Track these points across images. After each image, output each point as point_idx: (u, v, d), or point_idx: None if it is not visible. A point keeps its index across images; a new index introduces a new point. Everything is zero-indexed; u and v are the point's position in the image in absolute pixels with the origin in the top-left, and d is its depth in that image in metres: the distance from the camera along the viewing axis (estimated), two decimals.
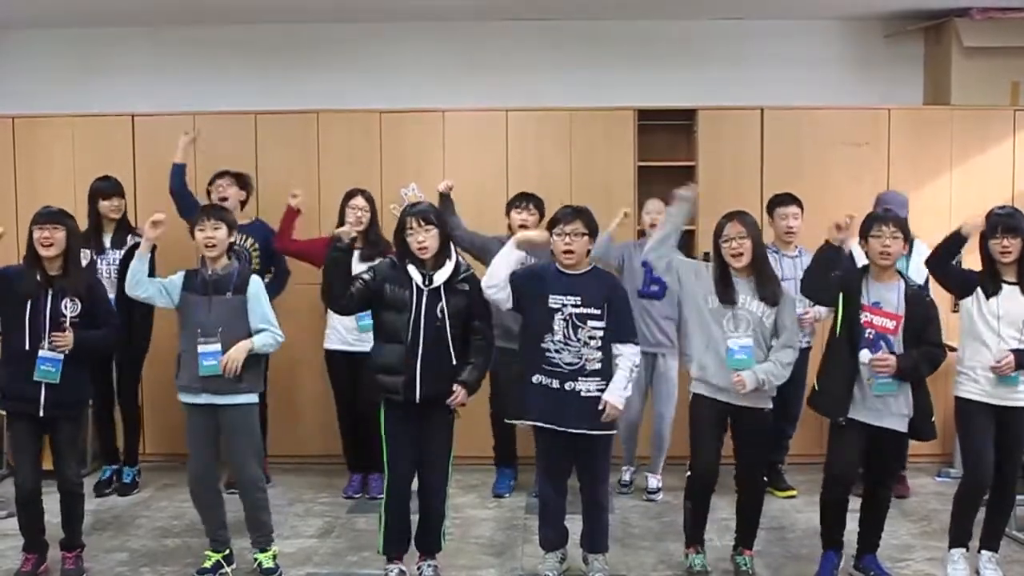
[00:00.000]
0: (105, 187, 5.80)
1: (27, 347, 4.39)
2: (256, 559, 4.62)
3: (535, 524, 4.78)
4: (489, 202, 6.06)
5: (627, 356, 4.40)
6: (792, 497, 5.76)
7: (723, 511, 4.65)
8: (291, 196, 5.80)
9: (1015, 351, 4.36)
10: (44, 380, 4.40)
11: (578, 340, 4.34)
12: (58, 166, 6.49)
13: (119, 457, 6.04)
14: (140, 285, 4.45)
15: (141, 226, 5.93)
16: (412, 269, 4.33)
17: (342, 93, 6.87)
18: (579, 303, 4.34)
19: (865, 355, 4.34)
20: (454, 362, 4.34)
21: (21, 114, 6.64)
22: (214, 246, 4.49)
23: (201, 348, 4.41)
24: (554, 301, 4.35)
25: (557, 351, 4.34)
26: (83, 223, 5.77)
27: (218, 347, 4.42)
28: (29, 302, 4.40)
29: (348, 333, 5.62)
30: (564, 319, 4.34)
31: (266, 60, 7.06)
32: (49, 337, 4.39)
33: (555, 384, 4.34)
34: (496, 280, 4.38)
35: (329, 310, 5.71)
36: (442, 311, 4.30)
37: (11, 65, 7.16)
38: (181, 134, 6.29)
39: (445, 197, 5.59)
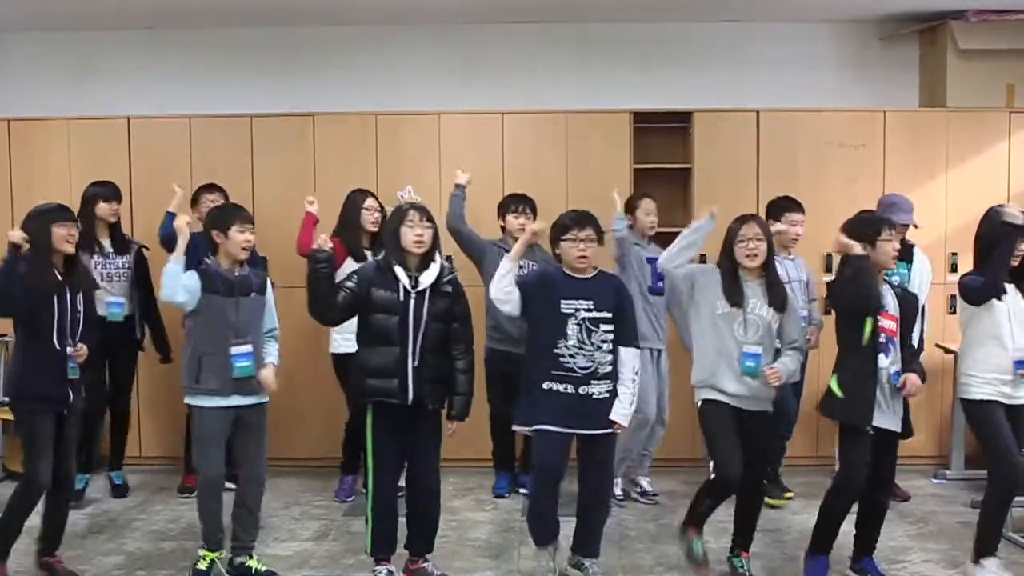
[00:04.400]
0: (106, 191, 5.79)
1: (59, 347, 4.38)
2: (248, 566, 4.56)
3: None
4: (484, 205, 6.05)
5: (628, 365, 4.43)
6: (782, 504, 5.69)
7: (718, 512, 4.60)
8: (308, 202, 5.74)
9: None
10: (72, 377, 4.44)
11: (591, 344, 4.35)
12: (54, 168, 6.47)
13: (92, 467, 5.98)
14: (179, 291, 4.38)
15: (132, 232, 5.98)
16: (400, 271, 4.33)
17: (338, 96, 6.87)
18: (591, 307, 4.36)
19: (883, 359, 4.35)
20: (439, 363, 4.38)
21: (17, 116, 6.63)
22: (250, 249, 4.54)
23: (235, 350, 4.41)
24: (566, 306, 4.35)
25: (571, 356, 4.34)
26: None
27: (250, 348, 4.47)
28: (56, 301, 4.37)
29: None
30: (577, 324, 4.34)
31: (262, 63, 7.05)
32: (76, 346, 4.43)
33: (569, 389, 4.34)
34: (508, 296, 4.38)
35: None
36: (429, 313, 4.32)
37: (6, 67, 7.15)
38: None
39: (462, 188, 5.69)
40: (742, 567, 4.58)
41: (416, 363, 4.30)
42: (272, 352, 4.64)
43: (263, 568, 4.58)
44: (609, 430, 4.40)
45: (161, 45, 7.07)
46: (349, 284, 4.34)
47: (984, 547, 4.47)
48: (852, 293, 4.31)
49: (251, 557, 4.59)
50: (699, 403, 4.51)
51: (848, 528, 4.58)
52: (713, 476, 4.53)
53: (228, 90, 6.96)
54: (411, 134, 6.51)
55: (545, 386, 4.36)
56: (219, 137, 6.51)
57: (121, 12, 6.63)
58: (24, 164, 6.52)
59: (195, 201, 5.94)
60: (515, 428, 4.65)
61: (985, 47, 6.53)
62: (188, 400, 4.52)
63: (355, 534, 5.24)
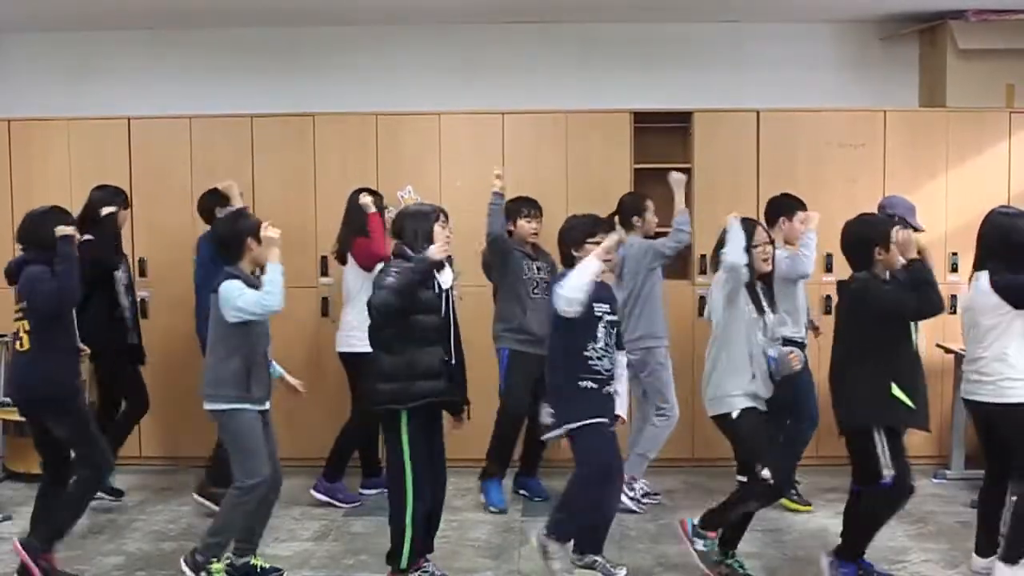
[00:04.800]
0: (125, 201, 5.80)
1: (77, 344, 4.64)
2: (255, 565, 4.57)
3: (532, 526, 4.75)
4: (485, 205, 6.04)
5: (624, 366, 4.52)
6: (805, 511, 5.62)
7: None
8: (372, 204, 5.57)
9: None
10: None
11: (612, 347, 4.39)
12: (54, 168, 6.47)
13: None
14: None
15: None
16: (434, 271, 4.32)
17: (338, 96, 6.85)
18: (610, 310, 4.40)
19: None
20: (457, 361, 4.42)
21: (17, 116, 6.63)
22: None
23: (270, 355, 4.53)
24: (597, 309, 4.36)
25: (599, 358, 4.35)
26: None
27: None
28: None
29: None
30: (604, 326, 4.36)
31: (262, 63, 7.05)
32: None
33: (596, 387, 4.36)
34: (583, 296, 4.20)
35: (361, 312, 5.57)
36: (453, 311, 4.36)
37: (6, 67, 7.14)
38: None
39: (500, 195, 5.55)
40: (740, 567, 4.56)
41: (455, 360, 4.34)
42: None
43: (267, 566, 4.59)
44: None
45: (161, 45, 7.07)
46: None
47: (1012, 555, 4.33)
48: (935, 295, 4.21)
49: (255, 556, 4.60)
50: (735, 413, 4.37)
51: (837, 528, 4.56)
52: (771, 481, 4.31)
53: (228, 90, 6.95)
54: (411, 134, 6.51)
55: (582, 384, 4.34)
56: (219, 137, 6.51)
57: (121, 12, 6.63)
58: (24, 164, 6.52)
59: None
60: (545, 437, 4.58)
61: (985, 47, 6.53)
62: (235, 407, 4.34)
63: (356, 534, 5.25)
